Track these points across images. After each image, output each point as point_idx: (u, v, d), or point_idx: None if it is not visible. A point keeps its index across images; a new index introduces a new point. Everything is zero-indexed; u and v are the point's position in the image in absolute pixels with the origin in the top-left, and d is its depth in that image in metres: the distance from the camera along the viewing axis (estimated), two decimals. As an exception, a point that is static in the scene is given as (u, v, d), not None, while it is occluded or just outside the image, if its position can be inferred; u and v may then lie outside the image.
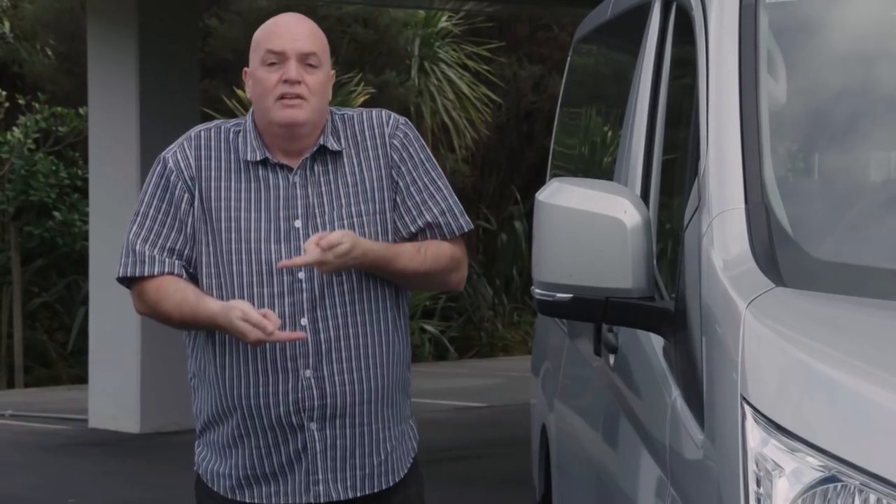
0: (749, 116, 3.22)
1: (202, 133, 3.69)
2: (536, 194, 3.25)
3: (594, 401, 4.26)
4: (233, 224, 3.59)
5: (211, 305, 3.55)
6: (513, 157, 17.73)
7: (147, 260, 3.61)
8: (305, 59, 3.60)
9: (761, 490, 2.70)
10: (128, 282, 3.68)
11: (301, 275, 3.58)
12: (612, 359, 3.91)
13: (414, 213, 3.66)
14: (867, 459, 2.62)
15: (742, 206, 3.10)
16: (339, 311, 3.60)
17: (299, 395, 3.58)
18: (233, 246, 3.59)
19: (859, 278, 3.05)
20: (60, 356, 15.29)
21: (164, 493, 8.68)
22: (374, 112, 3.74)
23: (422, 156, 3.70)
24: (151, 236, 3.61)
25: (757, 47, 3.32)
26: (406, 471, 3.74)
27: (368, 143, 3.67)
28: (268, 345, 3.55)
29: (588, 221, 3.16)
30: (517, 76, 17.55)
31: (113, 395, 11.13)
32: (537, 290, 3.24)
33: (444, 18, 16.92)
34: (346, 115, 3.72)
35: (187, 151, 3.66)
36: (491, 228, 17.43)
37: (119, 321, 11.01)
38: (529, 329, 16.13)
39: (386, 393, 3.66)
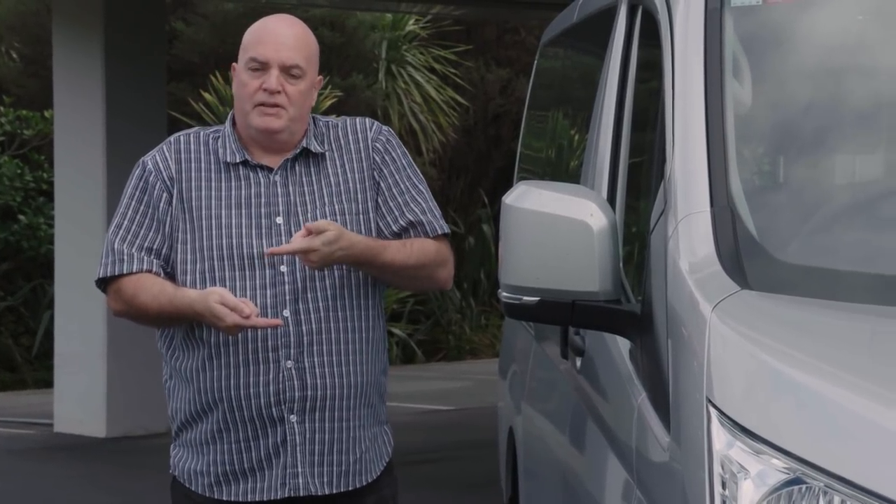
0: (714, 120, 3.23)
1: (181, 138, 3.75)
2: (503, 197, 3.26)
3: (561, 403, 4.27)
4: (213, 221, 3.64)
5: (189, 293, 3.60)
6: (480, 160, 17.74)
7: (126, 258, 3.66)
8: (288, 70, 3.65)
9: (727, 492, 2.71)
10: (104, 284, 3.71)
11: (283, 268, 3.62)
12: (578, 362, 3.92)
13: (396, 212, 3.70)
14: (832, 461, 2.63)
15: (708, 209, 3.11)
16: (321, 304, 3.63)
17: (280, 385, 3.61)
18: (213, 242, 3.63)
19: (824, 281, 3.07)
20: (26, 360, 15.21)
21: (131, 498, 8.64)
22: (357, 119, 3.81)
23: (403, 161, 3.75)
24: (129, 236, 3.66)
25: (722, 51, 3.33)
26: (380, 472, 3.75)
27: (352, 146, 3.73)
28: (249, 334, 3.58)
29: (554, 224, 3.17)
30: (484, 79, 17.56)
31: (79, 399, 11.08)
32: (504, 294, 3.25)
33: (411, 22, 16.91)
34: (330, 123, 3.79)
35: (166, 154, 3.71)
36: (458, 232, 17.43)
37: (85, 325, 10.96)
38: (497, 332, 16.14)
39: (364, 390, 3.69)
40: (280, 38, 3.67)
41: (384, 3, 14.92)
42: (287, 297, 3.60)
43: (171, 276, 3.66)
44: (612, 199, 3.78)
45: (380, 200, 3.70)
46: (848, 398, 2.73)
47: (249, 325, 3.53)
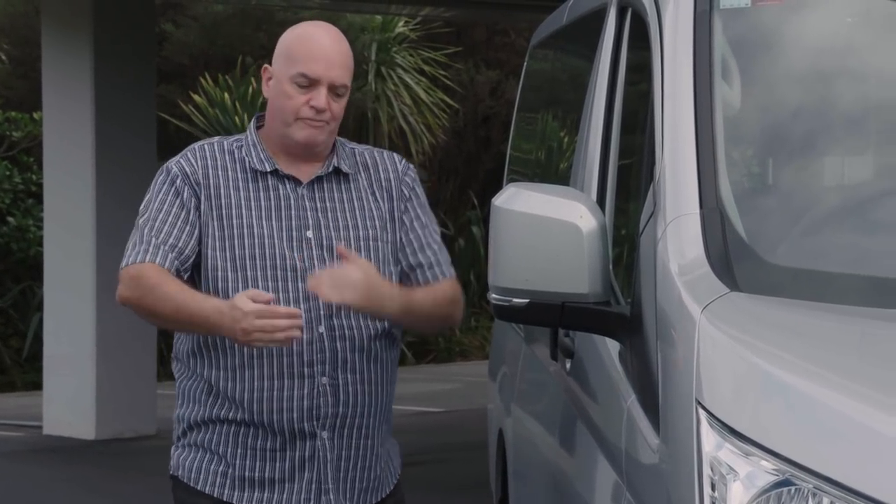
0: (704, 122, 3.24)
1: (205, 146, 3.70)
2: (493, 199, 3.26)
3: (551, 405, 4.27)
4: (245, 230, 3.60)
5: (213, 299, 3.50)
6: (470, 162, 17.75)
7: (159, 250, 3.55)
8: (335, 89, 3.63)
9: (716, 494, 2.72)
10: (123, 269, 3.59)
11: None
12: (568, 363, 3.92)
13: (416, 245, 3.73)
14: (821, 463, 2.64)
15: (697, 211, 3.12)
16: (353, 322, 3.62)
17: (314, 401, 3.60)
18: (246, 251, 3.59)
19: (814, 283, 3.07)
20: (15, 362, 15.19)
21: (121, 500, 8.63)
22: (384, 151, 3.82)
23: (423, 199, 3.80)
24: (163, 234, 3.58)
25: (711, 53, 3.34)
26: (392, 488, 3.78)
27: (381, 175, 3.73)
28: (284, 349, 3.54)
29: (544, 226, 3.17)
30: (474, 81, 17.57)
31: (68, 401, 11.06)
32: (494, 296, 3.25)
33: (400, 23, 16.92)
34: (356, 148, 3.78)
35: (192, 160, 3.66)
36: (448, 233, 17.43)
37: (74, 327, 10.95)
38: (487, 334, 16.14)
39: (387, 407, 3.72)
40: (331, 55, 3.63)
41: (374, 5, 14.93)
42: (322, 313, 3.58)
43: (192, 281, 3.60)
44: (601, 201, 3.79)
45: (401, 233, 3.72)
46: (837, 400, 2.73)
47: (270, 327, 3.39)
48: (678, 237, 3.09)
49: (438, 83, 17.05)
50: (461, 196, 17.67)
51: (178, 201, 3.60)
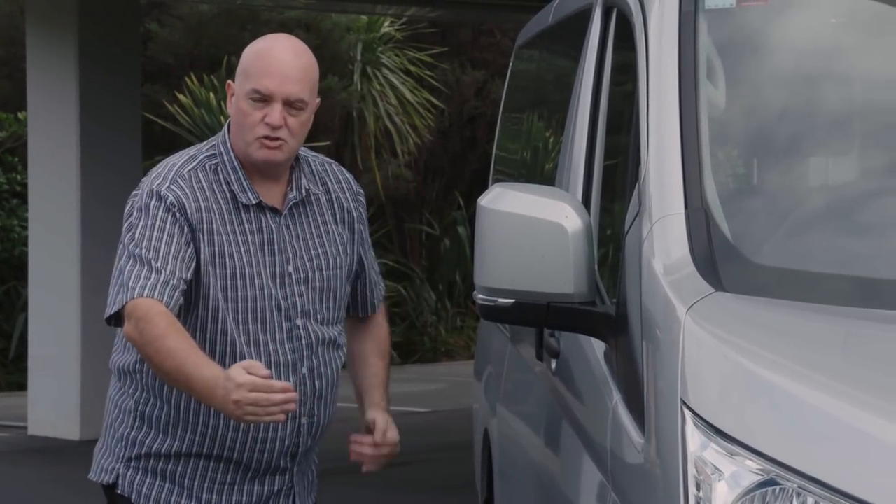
0: (689, 122, 3.24)
1: (191, 172, 3.56)
2: (478, 199, 3.26)
3: (536, 405, 4.27)
4: (237, 270, 3.54)
5: (214, 367, 3.38)
6: (456, 162, 17.75)
7: (167, 289, 3.41)
8: (291, 104, 3.54)
9: (701, 494, 2.72)
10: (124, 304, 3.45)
11: (298, 321, 3.59)
12: (553, 363, 3.92)
13: (363, 272, 3.78)
14: (805, 463, 2.64)
15: (682, 211, 3.12)
16: (327, 358, 3.64)
17: (293, 440, 3.61)
18: (238, 293, 3.53)
19: (799, 283, 3.08)
20: None
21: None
22: (333, 164, 3.79)
23: (366, 219, 3.83)
24: (169, 267, 3.43)
25: (696, 54, 3.34)
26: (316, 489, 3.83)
27: (341, 195, 3.72)
28: None
29: (530, 226, 3.17)
30: (460, 81, 17.57)
31: (53, 401, 11.04)
32: (479, 296, 3.25)
33: (386, 24, 16.91)
34: (309, 159, 3.72)
35: (185, 189, 3.53)
36: (434, 233, 17.43)
37: (59, 327, 10.92)
38: (472, 334, 16.14)
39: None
40: (286, 70, 3.53)
41: (359, 5, 14.92)
42: (304, 353, 3.59)
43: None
44: (587, 202, 3.79)
45: (358, 253, 3.76)
46: (822, 400, 2.74)
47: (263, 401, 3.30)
48: (663, 237, 3.09)
49: (424, 83, 17.05)
50: (447, 196, 17.67)
51: (176, 231, 3.47)
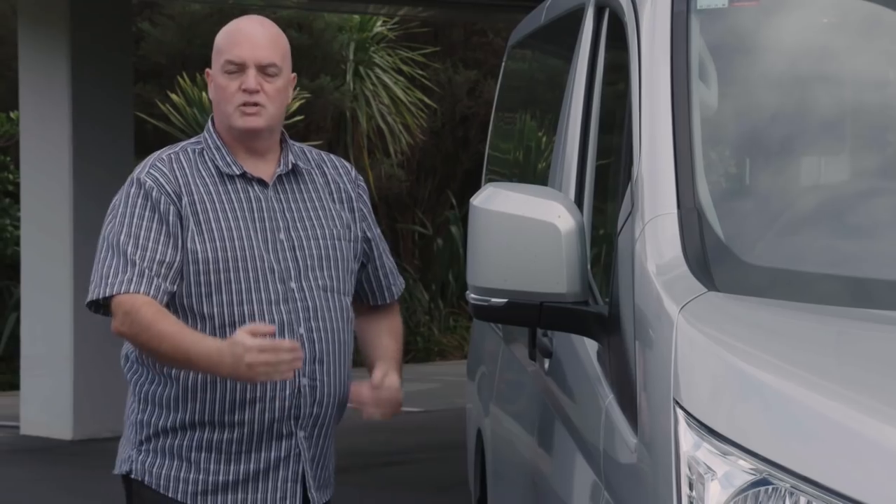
0: (681, 122, 3.24)
1: (171, 154, 3.70)
2: (471, 199, 3.26)
3: (529, 405, 4.27)
4: (224, 233, 3.61)
5: (211, 340, 3.50)
6: (448, 161, 17.75)
7: (145, 277, 3.52)
8: (264, 69, 3.66)
9: (694, 493, 2.72)
10: (108, 299, 3.54)
11: (293, 284, 3.63)
12: (546, 363, 3.92)
13: (374, 260, 3.82)
14: (798, 462, 2.65)
15: (674, 211, 3.12)
16: (329, 324, 3.66)
17: (294, 401, 3.61)
18: (228, 253, 3.60)
19: (791, 283, 3.08)
20: (-9, 363, 15.12)
21: (98, 501, 8.60)
22: (332, 155, 3.88)
23: (370, 209, 3.87)
24: (148, 253, 3.54)
25: (689, 54, 3.34)
26: (332, 491, 3.81)
27: (338, 178, 3.79)
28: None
29: (522, 226, 3.17)
30: (452, 81, 17.56)
31: (45, 401, 11.03)
32: (472, 295, 3.25)
33: (378, 23, 16.90)
34: (304, 148, 3.83)
35: (162, 169, 3.65)
36: (427, 233, 17.44)
37: (51, 327, 10.91)
38: (465, 334, 16.15)
39: (344, 407, 3.75)
40: (254, 37, 3.68)
41: (352, 4, 14.91)
42: (301, 315, 3.62)
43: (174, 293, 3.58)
44: (579, 201, 3.79)
45: (362, 244, 3.79)
46: (815, 400, 2.74)
47: (270, 347, 3.41)
48: (656, 237, 3.09)
49: (416, 83, 17.05)
50: (439, 196, 17.67)
51: (156, 216, 3.58)
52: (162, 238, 3.57)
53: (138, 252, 3.55)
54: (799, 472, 2.63)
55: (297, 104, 15.29)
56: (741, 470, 2.68)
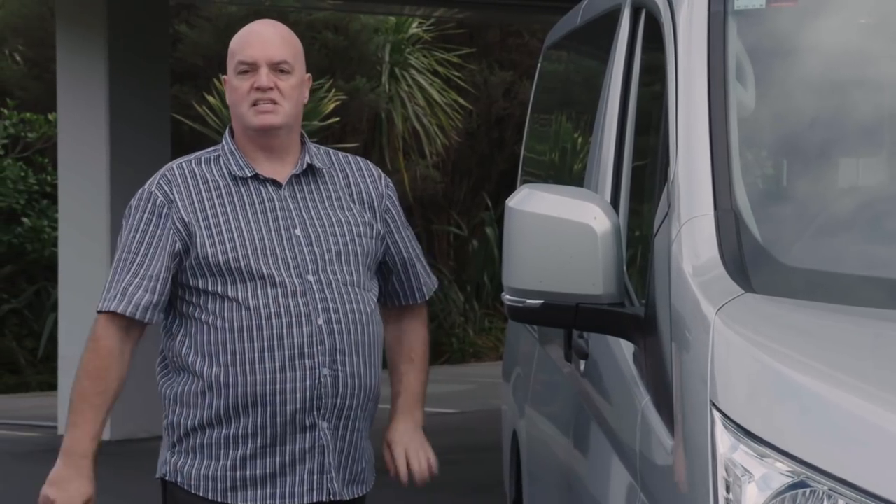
0: (718, 123, 3.23)
1: (182, 163, 3.77)
2: (507, 200, 3.26)
3: (564, 407, 4.27)
4: (235, 234, 3.66)
5: (84, 443, 3.88)
6: (483, 163, 17.74)
7: (125, 299, 3.67)
8: (277, 67, 3.69)
9: (731, 496, 2.71)
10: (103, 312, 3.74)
11: (310, 277, 3.66)
12: (582, 365, 3.92)
13: (401, 257, 3.84)
14: (836, 465, 2.63)
15: (711, 212, 3.11)
16: (349, 315, 3.68)
17: (315, 392, 3.64)
18: (239, 253, 3.64)
19: (828, 284, 3.07)
20: (29, 363, 15.22)
21: (134, 501, 8.64)
22: (359, 158, 3.90)
23: (401, 210, 3.87)
24: (141, 272, 3.65)
25: (725, 55, 3.33)
26: (370, 487, 3.81)
27: (360, 180, 3.80)
28: (285, 341, 3.62)
29: (558, 228, 3.17)
30: (488, 82, 17.56)
31: (82, 402, 11.07)
32: (508, 297, 3.24)
33: (414, 25, 16.92)
34: (330, 151, 3.86)
35: (170, 177, 3.72)
36: (462, 234, 17.44)
37: (88, 327, 10.93)
38: (500, 335, 16.14)
39: (376, 399, 3.76)
40: (265, 37, 3.73)
41: (387, 6, 14.93)
42: (319, 307, 3.64)
43: (171, 304, 3.68)
44: (615, 203, 3.78)
45: (388, 244, 3.81)
46: (852, 402, 2.72)
47: None
48: (692, 238, 3.08)
49: (452, 84, 17.05)
50: (475, 197, 17.67)
51: (160, 225, 3.65)
52: (159, 251, 3.65)
53: (132, 270, 3.65)
54: (837, 475, 2.62)
55: (332, 105, 15.33)
56: (778, 472, 2.67)
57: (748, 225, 3.12)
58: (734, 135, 3.24)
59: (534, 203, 3.20)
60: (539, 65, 5.97)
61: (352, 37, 16.32)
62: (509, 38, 17.94)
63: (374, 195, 3.79)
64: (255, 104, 3.67)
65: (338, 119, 15.36)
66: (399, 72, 16.77)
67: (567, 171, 5.05)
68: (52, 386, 12.71)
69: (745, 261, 3.04)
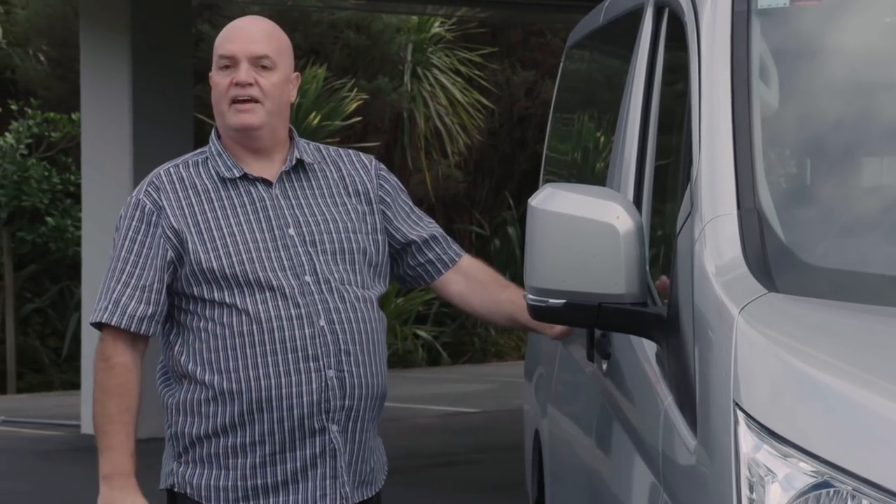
0: (741, 122, 3.23)
1: (170, 168, 3.68)
2: (529, 200, 3.25)
3: (587, 406, 4.26)
4: (228, 239, 3.59)
5: (113, 457, 3.83)
6: (505, 162, 17.74)
7: (118, 312, 3.61)
8: (258, 62, 3.59)
9: (754, 496, 2.71)
10: (100, 326, 3.67)
11: (307, 277, 3.60)
12: (604, 364, 3.91)
13: (410, 224, 3.77)
14: (860, 465, 2.62)
15: (734, 211, 3.11)
16: (350, 315, 3.62)
17: (322, 395, 3.58)
18: (234, 259, 3.58)
19: (851, 284, 3.06)
20: (53, 362, 15.28)
21: (156, 499, 8.66)
22: (350, 151, 3.83)
23: (399, 185, 3.81)
24: (132, 282, 3.60)
25: (749, 54, 3.32)
26: (381, 486, 3.77)
27: (353, 172, 3.73)
28: (288, 344, 3.56)
29: (581, 227, 3.16)
30: (510, 82, 17.56)
31: (105, 400, 11.10)
32: (530, 296, 3.24)
33: (436, 24, 16.93)
34: (320, 146, 3.79)
35: (158, 184, 3.63)
36: (484, 234, 17.43)
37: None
38: (523, 334, 16.13)
39: (383, 399, 3.71)
40: (246, 31, 3.64)
41: (410, 5, 14.94)
42: (320, 307, 3.58)
43: (169, 313, 3.64)
44: (638, 202, 3.78)
45: (389, 214, 3.74)
46: (876, 402, 2.71)
47: None
48: (715, 238, 3.08)
49: (474, 83, 17.06)
50: (497, 196, 17.67)
51: (150, 234, 3.58)
52: (150, 260, 3.58)
53: (125, 280, 3.59)
54: (861, 475, 2.61)
55: (354, 104, 15.35)
56: (802, 472, 2.66)
57: (771, 224, 3.11)
58: (757, 134, 3.23)
59: (556, 202, 3.20)
60: (561, 64, 5.96)
61: (374, 36, 16.33)
62: (531, 38, 17.94)
63: (368, 185, 3.72)
64: (234, 101, 3.58)
65: (360, 119, 15.38)
66: (421, 71, 16.77)
67: (589, 170, 5.05)
68: (75, 385, 12.75)
69: (768, 260, 3.03)
